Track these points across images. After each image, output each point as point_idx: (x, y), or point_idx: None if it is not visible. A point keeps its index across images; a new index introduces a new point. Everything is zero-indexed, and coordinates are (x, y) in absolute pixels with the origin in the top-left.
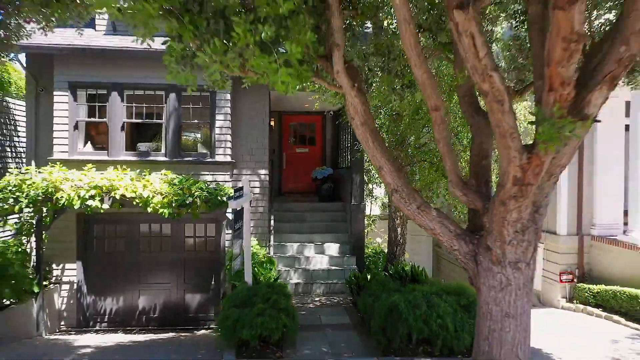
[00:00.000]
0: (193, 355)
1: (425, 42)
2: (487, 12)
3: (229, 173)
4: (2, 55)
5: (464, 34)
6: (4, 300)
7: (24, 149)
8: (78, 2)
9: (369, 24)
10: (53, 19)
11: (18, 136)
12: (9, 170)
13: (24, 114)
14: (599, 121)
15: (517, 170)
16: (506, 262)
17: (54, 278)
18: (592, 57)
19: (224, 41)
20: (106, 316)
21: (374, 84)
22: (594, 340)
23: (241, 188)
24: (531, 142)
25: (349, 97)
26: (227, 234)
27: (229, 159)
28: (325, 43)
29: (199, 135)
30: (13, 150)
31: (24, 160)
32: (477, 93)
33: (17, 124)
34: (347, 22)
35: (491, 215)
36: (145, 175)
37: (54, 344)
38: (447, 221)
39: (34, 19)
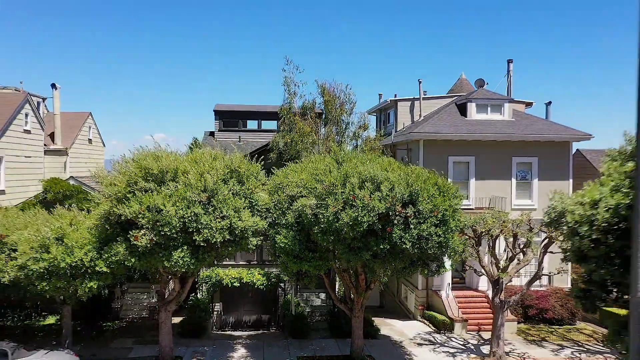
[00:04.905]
0: (277, 338)
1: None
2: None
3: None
4: None
5: (345, 277)
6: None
7: None
8: None
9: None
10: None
11: None
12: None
13: None
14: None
15: (358, 299)
16: (357, 315)
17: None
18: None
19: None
20: (230, 324)
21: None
22: (412, 332)
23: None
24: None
25: (325, 281)
26: (279, 292)
27: None
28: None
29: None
30: None
31: None
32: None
33: None
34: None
35: (354, 306)
36: (251, 271)
37: (221, 333)
38: (345, 306)
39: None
